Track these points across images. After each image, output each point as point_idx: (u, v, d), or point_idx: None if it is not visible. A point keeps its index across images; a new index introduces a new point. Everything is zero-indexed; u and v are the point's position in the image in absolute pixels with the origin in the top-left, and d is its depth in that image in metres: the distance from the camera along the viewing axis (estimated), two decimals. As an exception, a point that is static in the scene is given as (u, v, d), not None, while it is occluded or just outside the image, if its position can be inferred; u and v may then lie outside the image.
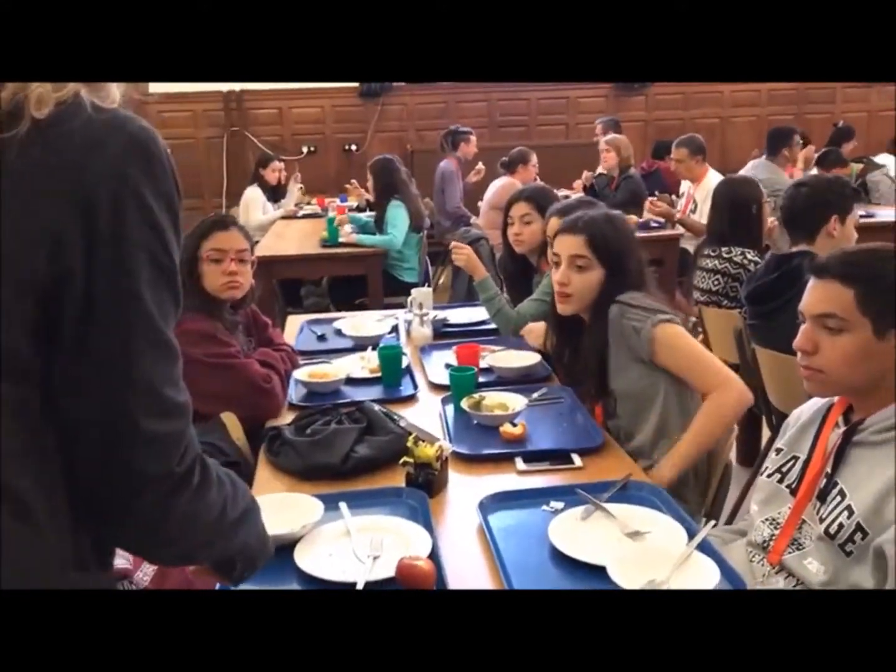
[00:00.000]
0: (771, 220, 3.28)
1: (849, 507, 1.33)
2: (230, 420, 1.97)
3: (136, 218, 0.73)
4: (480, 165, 6.11)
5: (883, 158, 6.07)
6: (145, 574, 1.49)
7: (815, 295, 1.41)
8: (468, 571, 1.36)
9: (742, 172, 4.68)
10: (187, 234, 2.06)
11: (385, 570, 1.31)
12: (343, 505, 1.53)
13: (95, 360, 0.74)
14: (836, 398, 1.48)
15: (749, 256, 3.11)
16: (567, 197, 3.65)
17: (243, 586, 1.07)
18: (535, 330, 2.49)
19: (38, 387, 0.74)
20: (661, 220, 4.72)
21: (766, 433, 2.99)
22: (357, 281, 4.58)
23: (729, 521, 2.49)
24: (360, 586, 1.26)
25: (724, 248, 3.16)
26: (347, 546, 1.41)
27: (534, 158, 5.39)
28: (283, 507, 1.52)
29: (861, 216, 3.81)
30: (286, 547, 1.40)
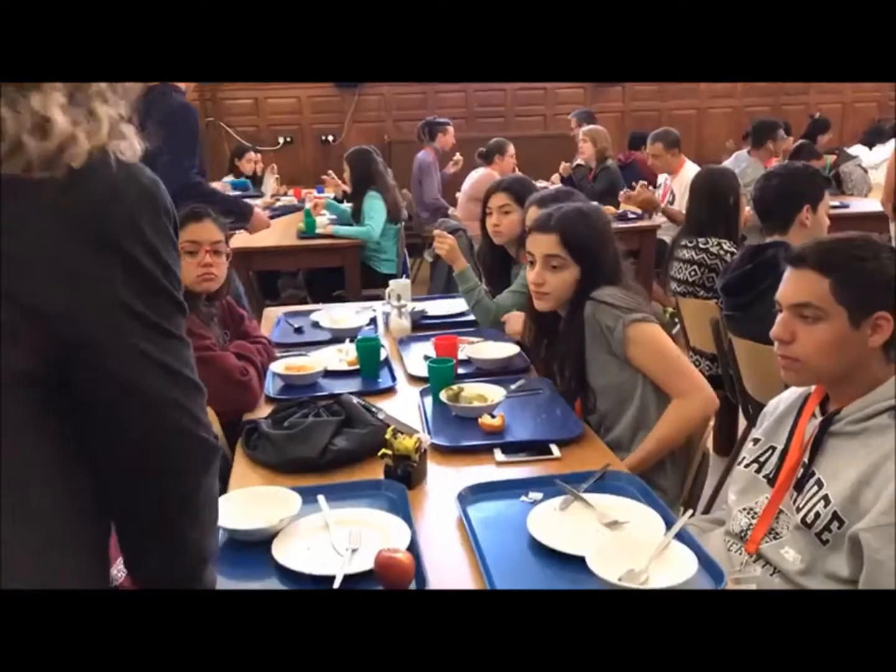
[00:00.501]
0: (747, 211, 3.30)
1: (825, 497, 1.34)
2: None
3: (147, 261, 0.81)
4: (458, 156, 6.09)
5: (856, 149, 6.13)
6: (119, 570, 1.47)
7: (792, 284, 1.42)
8: (447, 563, 1.36)
9: (725, 164, 4.71)
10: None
11: (364, 562, 1.30)
12: (321, 498, 1.52)
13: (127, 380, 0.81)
14: (812, 388, 1.49)
15: (725, 247, 3.12)
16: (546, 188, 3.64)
17: (222, 585, 1.05)
18: (515, 318, 2.48)
19: (50, 401, 0.79)
20: (639, 211, 4.74)
21: (742, 422, 3.01)
22: (334, 273, 4.55)
23: (706, 511, 2.51)
24: (338, 580, 1.25)
25: (700, 239, 3.17)
26: (326, 539, 1.40)
27: (511, 149, 5.39)
28: (260, 500, 1.51)
29: (834, 207, 3.85)
30: (264, 541, 1.39)
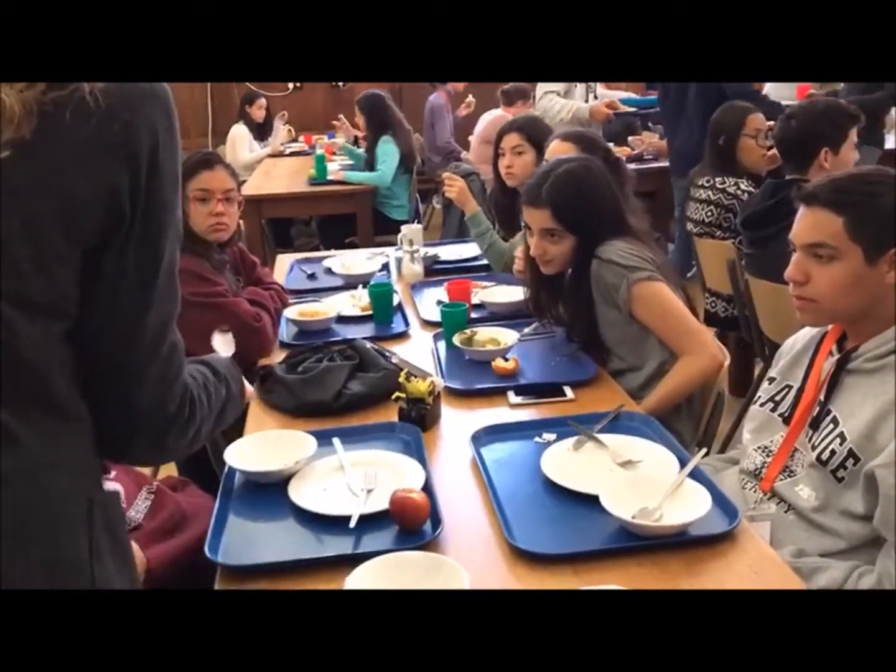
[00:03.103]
0: (772, 151, 3.19)
1: (841, 434, 1.34)
2: (221, 359, 1.95)
3: (165, 171, 0.83)
4: (471, 98, 5.99)
5: None
6: (138, 511, 1.50)
7: (805, 224, 1.39)
8: (461, 503, 1.37)
9: None
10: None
11: (379, 503, 1.31)
12: (336, 440, 1.53)
13: (121, 304, 0.82)
14: (829, 326, 1.48)
15: (742, 187, 3.07)
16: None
17: (238, 525, 1.04)
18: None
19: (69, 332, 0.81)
20: (655, 152, 4.66)
21: (758, 363, 3.00)
22: (347, 219, 4.52)
23: (721, 451, 2.51)
24: (354, 519, 1.27)
25: (717, 179, 3.12)
26: (341, 480, 1.42)
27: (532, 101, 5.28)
28: (276, 443, 1.52)
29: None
30: (280, 483, 1.41)
